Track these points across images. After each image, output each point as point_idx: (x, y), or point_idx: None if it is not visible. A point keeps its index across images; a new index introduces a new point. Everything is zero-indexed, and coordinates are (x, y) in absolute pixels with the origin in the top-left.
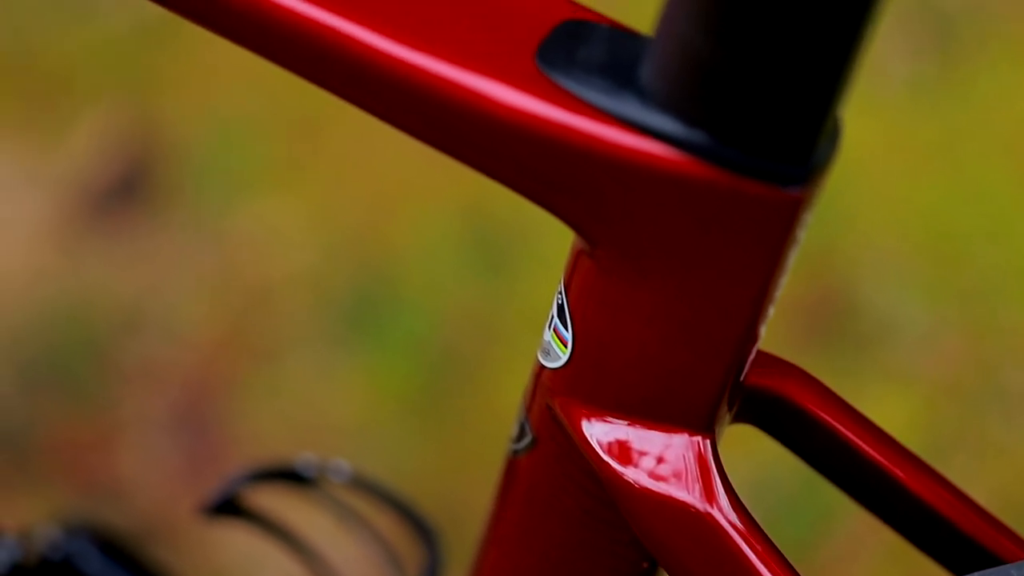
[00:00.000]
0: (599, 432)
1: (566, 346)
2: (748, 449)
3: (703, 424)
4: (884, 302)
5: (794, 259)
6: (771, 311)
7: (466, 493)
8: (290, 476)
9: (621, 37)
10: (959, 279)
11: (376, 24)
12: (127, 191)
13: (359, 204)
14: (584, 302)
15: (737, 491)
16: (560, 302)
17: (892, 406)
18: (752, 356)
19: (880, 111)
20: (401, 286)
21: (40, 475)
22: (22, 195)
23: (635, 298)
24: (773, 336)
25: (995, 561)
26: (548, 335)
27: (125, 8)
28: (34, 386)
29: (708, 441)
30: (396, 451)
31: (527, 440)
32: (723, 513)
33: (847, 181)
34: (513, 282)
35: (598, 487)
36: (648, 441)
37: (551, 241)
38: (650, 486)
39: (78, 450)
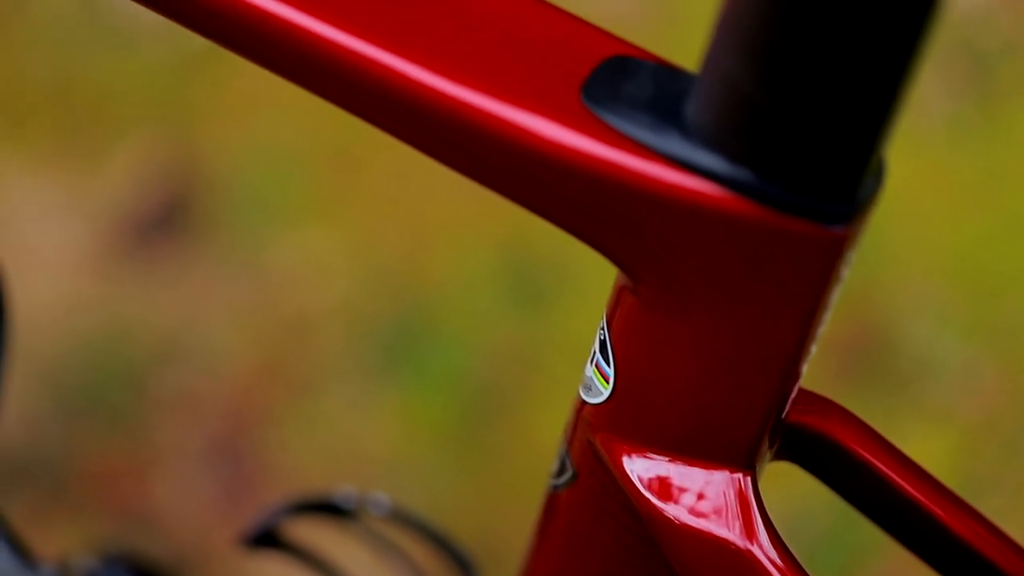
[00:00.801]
0: (640, 468)
1: (608, 382)
2: (785, 484)
3: (744, 461)
4: (922, 339)
5: (837, 296)
6: (813, 349)
7: (503, 526)
8: (329, 508)
9: (666, 73)
10: (997, 317)
11: (421, 57)
12: (166, 221)
13: (398, 236)
14: (626, 338)
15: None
16: (602, 338)
17: (929, 444)
18: (794, 393)
19: (919, 149)
20: (439, 319)
21: (77, 504)
22: (61, 224)
23: (678, 334)
24: (808, 371)
25: None
26: (590, 370)
27: (165, 39)
28: (72, 415)
29: (749, 478)
30: (433, 484)
31: (568, 475)
32: (763, 550)
33: (886, 218)
34: (551, 315)
35: (638, 523)
36: (689, 477)
37: (589, 275)
38: (690, 522)
39: (115, 479)
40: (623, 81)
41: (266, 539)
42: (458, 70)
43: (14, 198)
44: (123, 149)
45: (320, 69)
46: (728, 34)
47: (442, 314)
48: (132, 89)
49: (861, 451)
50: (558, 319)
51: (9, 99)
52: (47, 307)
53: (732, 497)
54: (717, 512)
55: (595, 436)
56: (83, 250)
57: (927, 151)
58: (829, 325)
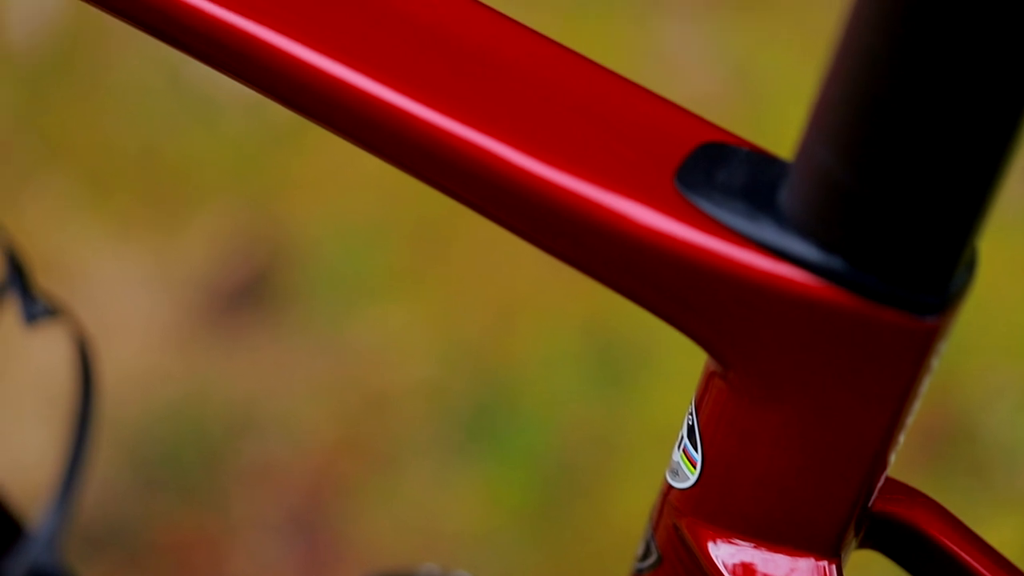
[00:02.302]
0: (725, 554)
1: (695, 467)
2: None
3: (830, 549)
4: (1003, 428)
5: (926, 386)
6: (902, 438)
7: None
8: None
9: (760, 160)
10: None
11: (515, 138)
12: (247, 293)
13: (480, 313)
14: (714, 423)
15: None
16: (690, 423)
17: (1009, 533)
18: (881, 483)
19: (1003, 235)
20: (520, 396)
21: (152, 574)
22: (142, 292)
23: (767, 421)
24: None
25: None
26: (677, 455)
27: (249, 110)
28: (149, 484)
29: (834, 566)
30: (511, 561)
31: (653, 559)
32: None
33: (969, 304)
34: (633, 397)
35: None
36: (774, 564)
37: (673, 357)
38: None
39: (191, 550)
40: (717, 167)
41: None
42: (551, 152)
43: (96, 265)
44: (205, 219)
45: (411, 146)
46: (822, 123)
47: (523, 392)
48: (215, 159)
49: (947, 541)
50: (639, 400)
51: (92, 166)
52: (127, 375)
53: None
54: None
55: (681, 521)
56: (163, 319)
57: (1011, 236)
58: None
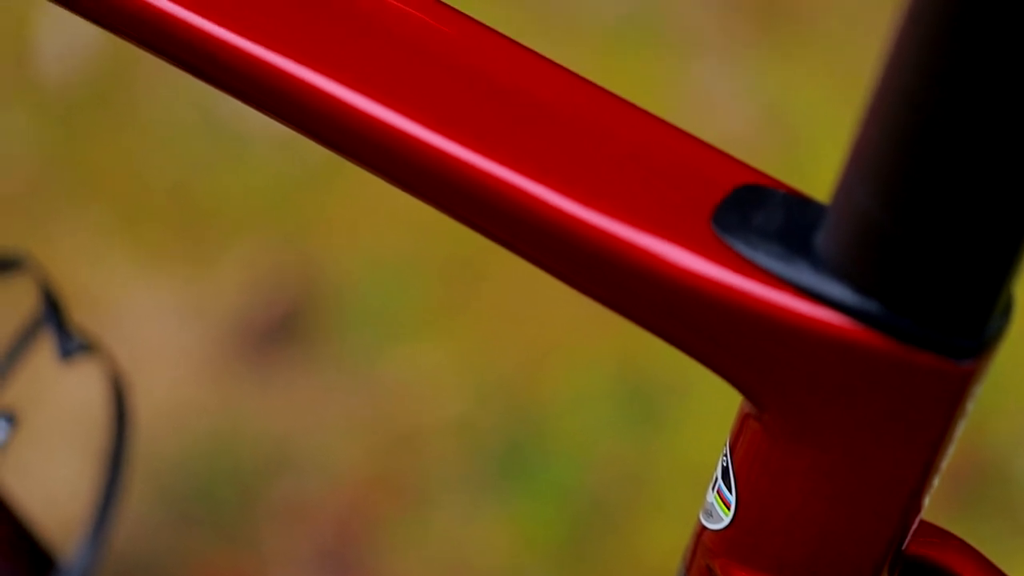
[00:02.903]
0: None
1: (729, 508)
2: None
3: None
4: None
5: (961, 430)
6: (936, 481)
7: None
8: None
9: (796, 203)
10: None
11: (550, 179)
12: (280, 329)
13: (512, 351)
14: (749, 465)
15: None
16: (725, 464)
17: None
18: (915, 525)
19: None
20: (551, 434)
21: None
22: (175, 327)
23: (801, 464)
24: None
25: None
26: (711, 496)
27: (282, 147)
28: (180, 518)
29: None
30: None
31: None
32: None
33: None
34: (664, 434)
35: None
36: None
37: (704, 395)
38: None
39: None
40: (754, 209)
41: None
42: (587, 192)
43: (129, 300)
44: (239, 255)
45: (445, 184)
46: (860, 166)
47: (555, 429)
48: (248, 195)
49: None
50: (670, 438)
51: (126, 201)
52: (160, 410)
53: None
54: None
55: (715, 562)
56: (196, 354)
57: None
58: None
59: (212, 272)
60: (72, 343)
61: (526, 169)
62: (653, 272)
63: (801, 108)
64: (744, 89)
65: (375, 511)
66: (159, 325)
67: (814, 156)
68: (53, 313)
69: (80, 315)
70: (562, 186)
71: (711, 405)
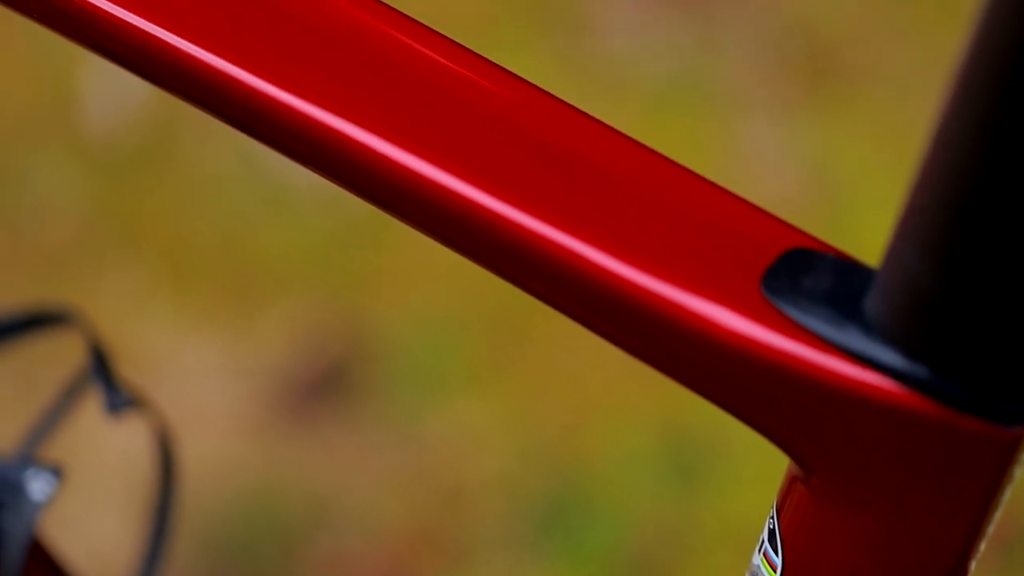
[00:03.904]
0: None
1: (776, 571)
2: None
3: None
4: None
5: (1008, 495)
6: (982, 546)
7: None
8: None
9: (846, 267)
10: None
11: (598, 239)
12: (324, 385)
13: (556, 409)
14: (795, 528)
15: None
16: (771, 526)
17: None
18: None
19: None
20: (594, 493)
21: None
22: (219, 384)
23: (848, 528)
24: None
25: None
26: (757, 559)
27: (327, 203)
28: (223, 573)
29: None
30: None
31: None
32: None
33: None
34: (706, 496)
35: None
36: None
37: (748, 456)
38: None
39: None
40: (803, 273)
41: None
42: (636, 253)
43: (173, 354)
44: (283, 311)
45: (492, 244)
46: (910, 232)
47: (598, 489)
48: (294, 251)
49: None
50: (713, 499)
51: (171, 255)
52: (203, 464)
53: None
54: None
55: None
56: (240, 409)
57: None
58: None
59: (257, 327)
60: (120, 397)
61: (575, 229)
62: (703, 334)
63: (847, 169)
64: (790, 149)
65: (416, 568)
66: (203, 379)
67: (859, 217)
68: (101, 367)
69: (124, 369)
70: (611, 246)
71: (755, 465)
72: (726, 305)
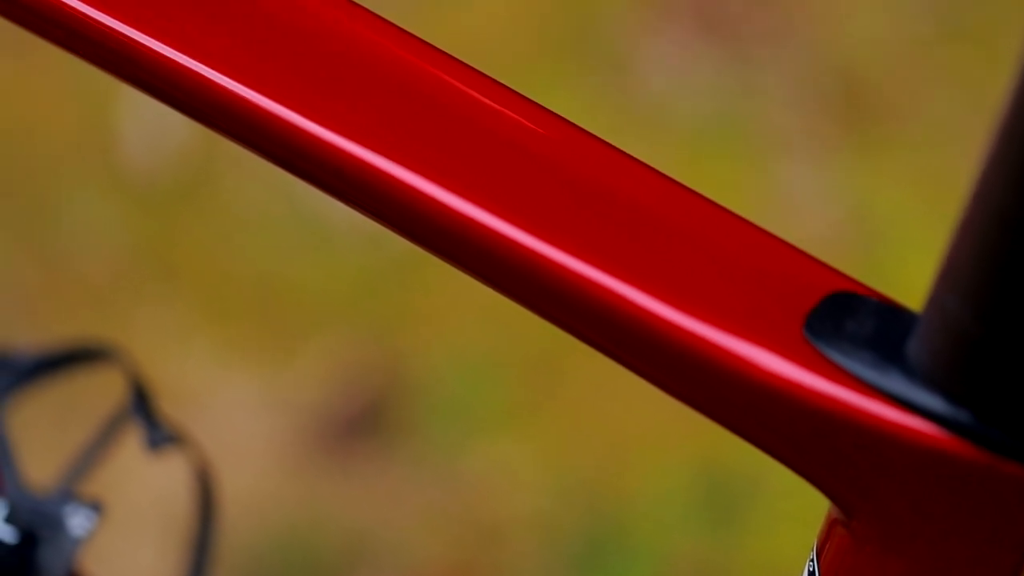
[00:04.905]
0: None
1: None
2: None
3: None
4: None
5: None
6: None
7: None
8: None
9: (889, 312)
10: None
11: (641, 281)
12: (362, 422)
13: (593, 448)
14: (835, 571)
15: None
16: (811, 568)
17: None
18: None
19: None
20: (630, 532)
21: None
22: (257, 420)
23: (888, 572)
24: None
25: None
26: None
27: (367, 240)
28: None
29: None
30: None
31: None
32: None
33: None
34: (745, 536)
35: None
36: None
37: (785, 496)
38: None
39: None
40: (846, 317)
41: None
42: (679, 295)
43: (212, 390)
44: (322, 347)
45: (534, 284)
46: (953, 277)
47: (634, 527)
48: (333, 288)
49: None
50: (750, 539)
51: (210, 291)
52: (240, 500)
53: None
54: None
55: None
56: (277, 446)
57: None
58: None
59: (295, 363)
60: (161, 434)
61: (617, 269)
62: (746, 377)
63: (885, 211)
64: (828, 191)
65: None
66: (241, 415)
67: (896, 259)
68: (142, 404)
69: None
70: (654, 287)
71: (792, 504)
72: (769, 348)
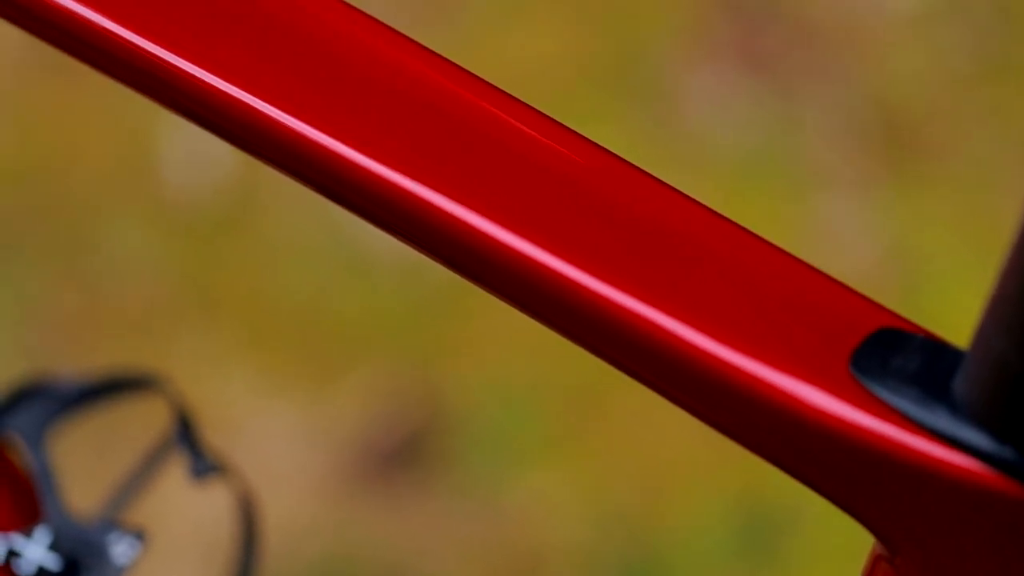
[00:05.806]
0: None
1: None
2: None
3: None
4: None
5: None
6: None
7: None
8: None
9: (935, 348)
10: None
11: (686, 314)
12: (402, 452)
13: (633, 479)
14: None
15: None
16: None
17: None
18: None
19: None
20: (671, 564)
21: None
22: (296, 449)
23: None
24: None
25: None
26: None
27: (408, 271)
28: None
29: None
30: None
31: None
32: None
33: None
34: (786, 569)
35: None
36: None
37: (826, 531)
38: None
39: None
40: (892, 353)
41: None
42: (725, 329)
43: (251, 420)
44: (362, 378)
45: (578, 315)
46: (999, 315)
47: (674, 559)
48: (374, 318)
49: None
50: (791, 573)
51: (250, 321)
52: (277, 528)
53: None
54: None
55: None
56: (316, 475)
57: None
58: None
59: (336, 393)
60: (204, 464)
61: (663, 303)
62: (792, 412)
63: (925, 247)
64: (869, 226)
65: None
66: (281, 445)
67: (937, 296)
68: (186, 433)
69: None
70: (699, 321)
71: (833, 537)
72: (816, 384)
